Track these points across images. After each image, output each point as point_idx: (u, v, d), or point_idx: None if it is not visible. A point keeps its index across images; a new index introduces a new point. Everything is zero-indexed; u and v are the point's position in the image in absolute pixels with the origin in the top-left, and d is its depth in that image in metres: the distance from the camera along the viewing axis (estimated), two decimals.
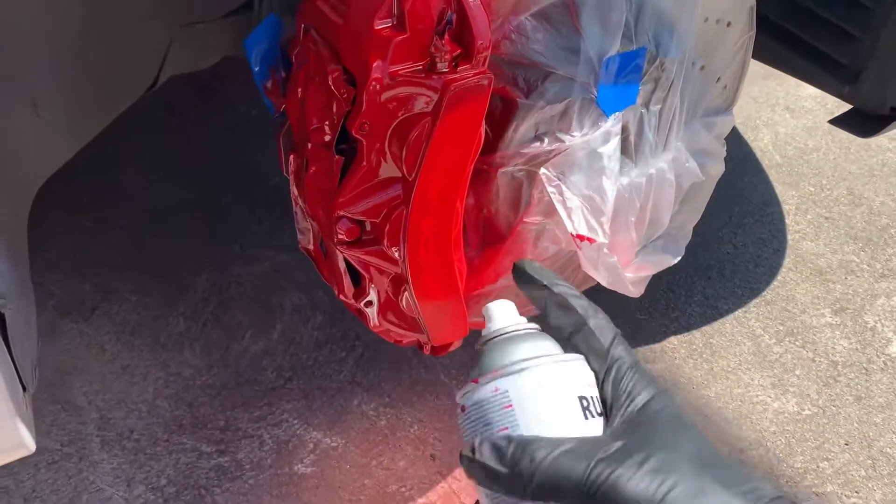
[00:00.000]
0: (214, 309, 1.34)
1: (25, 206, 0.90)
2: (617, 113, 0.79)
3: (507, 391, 0.52)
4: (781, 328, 1.38)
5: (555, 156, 0.77)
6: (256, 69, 0.79)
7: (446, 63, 0.63)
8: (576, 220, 0.78)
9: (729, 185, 1.69)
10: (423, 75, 0.64)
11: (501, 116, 0.76)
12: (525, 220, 0.81)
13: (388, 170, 0.69)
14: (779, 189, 1.69)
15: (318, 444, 1.15)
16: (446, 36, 0.62)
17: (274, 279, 1.40)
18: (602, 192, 0.77)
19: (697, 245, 1.53)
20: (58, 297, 1.34)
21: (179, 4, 1.13)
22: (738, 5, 0.87)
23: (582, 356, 0.51)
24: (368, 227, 0.74)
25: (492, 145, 0.77)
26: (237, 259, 1.43)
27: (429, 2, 0.62)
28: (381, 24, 0.63)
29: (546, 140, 0.77)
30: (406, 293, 0.77)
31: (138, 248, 1.44)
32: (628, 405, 0.49)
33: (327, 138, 0.70)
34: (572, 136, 0.78)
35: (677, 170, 0.91)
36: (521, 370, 0.51)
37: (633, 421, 0.48)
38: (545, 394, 0.51)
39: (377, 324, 0.82)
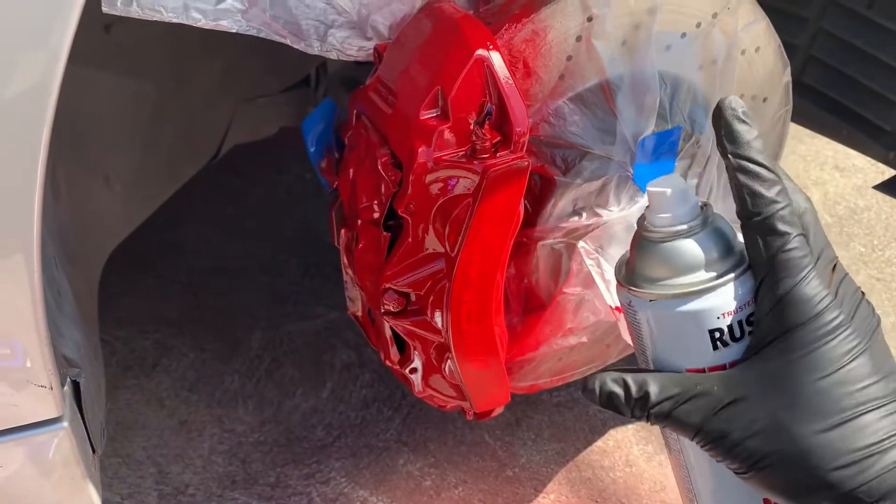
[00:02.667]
0: (268, 366, 1.39)
1: (97, 273, 0.97)
2: None
3: (638, 314, 0.53)
4: None
5: (593, 230, 0.81)
6: (312, 149, 0.84)
7: (486, 149, 0.67)
8: (614, 292, 0.80)
9: None
10: (464, 160, 0.68)
11: (540, 193, 0.80)
12: (565, 290, 0.84)
13: (431, 245, 0.73)
14: None
15: (365, 502, 1.17)
16: (486, 125, 0.66)
17: (325, 337, 1.44)
18: None
19: None
20: (120, 353, 1.41)
21: (242, 82, 1.22)
22: (773, 82, 0.89)
23: (732, 275, 0.50)
24: (413, 299, 0.77)
25: (531, 219, 0.81)
26: (291, 316, 1.48)
27: (470, 94, 0.67)
28: (426, 115, 0.68)
29: (584, 215, 0.80)
30: (449, 361, 0.80)
31: (197, 306, 1.50)
32: (766, 336, 0.48)
33: (376, 216, 0.75)
34: (610, 210, 0.81)
35: None
36: (652, 301, 0.51)
37: (763, 359, 0.48)
38: (671, 328, 0.51)
39: (421, 390, 0.85)
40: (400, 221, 0.74)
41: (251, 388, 1.35)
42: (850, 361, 0.48)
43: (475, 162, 0.67)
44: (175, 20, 0.68)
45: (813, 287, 0.48)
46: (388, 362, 0.86)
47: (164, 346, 1.42)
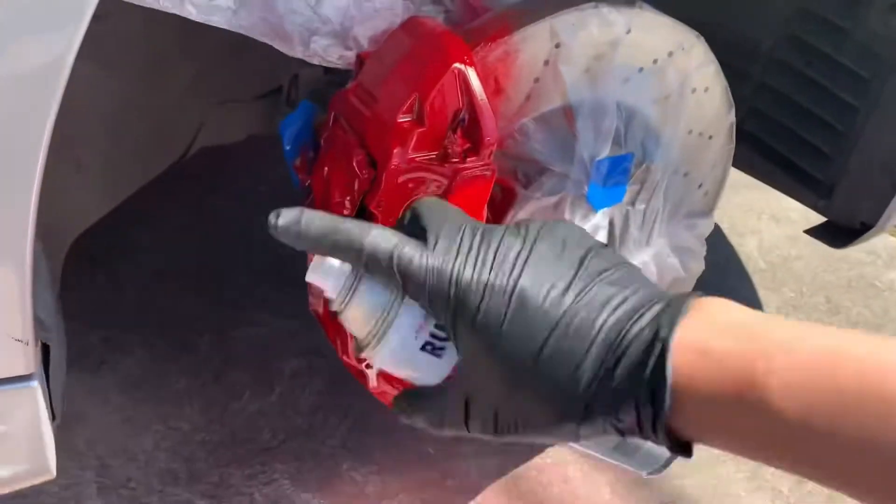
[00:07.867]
0: (216, 368, 1.39)
1: (61, 255, 0.98)
2: (605, 209, 0.88)
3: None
4: None
5: None
6: (288, 148, 0.88)
7: (457, 154, 0.72)
8: None
9: (714, 287, 1.76)
10: (436, 163, 0.73)
11: (501, 203, 0.85)
12: None
13: None
14: (761, 293, 1.77)
15: None
16: (459, 131, 0.72)
17: (274, 344, 1.46)
18: None
19: None
20: (67, 348, 1.40)
21: (215, 85, 1.25)
22: (719, 121, 0.97)
23: (398, 301, 0.48)
24: None
25: None
26: (239, 322, 1.49)
27: (446, 101, 0.72)
28: (403, 118, 0.73)
29: None
30: None
31: (146, 306, 1.50)
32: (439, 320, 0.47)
33: (346, 212, 0.79)
34: None
35: (659, 264, 0.99)
36: (368, 362, 0.56)
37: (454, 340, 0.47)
38: (405, 365, 0.51)
39: (376, 385, 0.88)
40: (370, 218, 0.78)
41: (198, 388, 1.35)
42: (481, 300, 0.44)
43: (446, 165, 0.72)
44: (170, 10, 0.72)
45: (413, 260, 0.45)
46: (344, 357, 0.89)
47: (111, 344, 1.42)
